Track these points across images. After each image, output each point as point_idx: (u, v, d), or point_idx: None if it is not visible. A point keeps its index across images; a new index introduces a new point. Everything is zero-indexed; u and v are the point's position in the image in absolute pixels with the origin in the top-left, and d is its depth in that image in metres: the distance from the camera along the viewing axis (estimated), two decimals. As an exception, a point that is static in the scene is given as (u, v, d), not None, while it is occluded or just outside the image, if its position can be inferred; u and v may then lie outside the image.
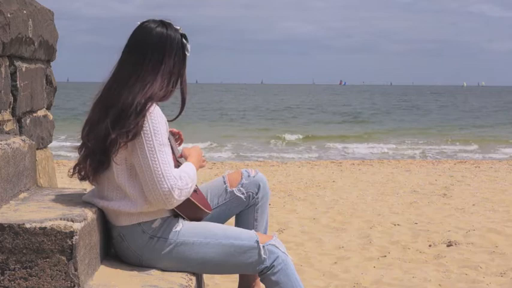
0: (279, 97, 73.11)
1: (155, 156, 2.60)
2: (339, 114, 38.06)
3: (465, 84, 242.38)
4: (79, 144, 2.79)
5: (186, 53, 2.80)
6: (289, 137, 22.73)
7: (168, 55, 2.73)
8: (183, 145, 3.13)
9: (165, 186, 2.59)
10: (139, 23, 2.80)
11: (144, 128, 2.60)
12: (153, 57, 2.71)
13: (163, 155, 2.61)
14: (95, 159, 2.69)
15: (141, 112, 2.61)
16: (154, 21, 2.79)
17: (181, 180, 2.64)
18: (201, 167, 2.96)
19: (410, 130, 26.88)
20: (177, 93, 2.84)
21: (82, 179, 2.78)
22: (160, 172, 2.59)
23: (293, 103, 54.86)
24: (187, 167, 2.76)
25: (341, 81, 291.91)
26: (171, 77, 2.75)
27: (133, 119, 2.60)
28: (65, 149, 15.48)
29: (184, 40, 2.79)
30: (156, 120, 2.63)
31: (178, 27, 2.80)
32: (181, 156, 2.92)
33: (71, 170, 2.81)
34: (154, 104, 2.66)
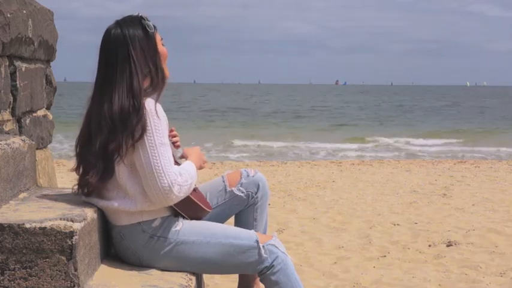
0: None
1: (156, 152, 2.60)
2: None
3: (468, 84, 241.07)
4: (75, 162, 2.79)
5: (148, 29, 2.72)
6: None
7: (134, 49, 2.68)
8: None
9: (165, 181, 2.60)
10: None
11: (147, 125, 2.60)
12: (119, 60, 2.67)
13: (163, 152, 2.62)
14: (98, 171, 2.67)
15: (139, 110, 2.61)
16: (113, 23, 2.76)
17: (181, 176, 2.65)
18: (202, 168, 2.96)
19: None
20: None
21: (88, 194, 2.75)
22: (160, 168, 2.60)
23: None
24: (188, 164, 2.78)
25: (337, 81, 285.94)
26: (149, 67, 2.72)
27: (134, 118, 2.59)
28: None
29: (143, 21, 2.73)
30: (157, 118, 2.63)
31: (136, 14, 2.77)
32: (182, 157, 2.92)
33: (75, 187, 2.81)
34: (149, 100, 2.66)
